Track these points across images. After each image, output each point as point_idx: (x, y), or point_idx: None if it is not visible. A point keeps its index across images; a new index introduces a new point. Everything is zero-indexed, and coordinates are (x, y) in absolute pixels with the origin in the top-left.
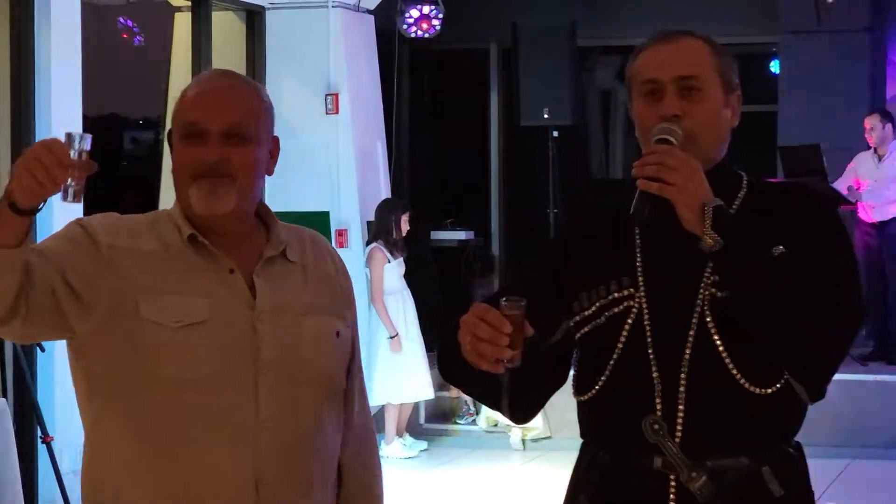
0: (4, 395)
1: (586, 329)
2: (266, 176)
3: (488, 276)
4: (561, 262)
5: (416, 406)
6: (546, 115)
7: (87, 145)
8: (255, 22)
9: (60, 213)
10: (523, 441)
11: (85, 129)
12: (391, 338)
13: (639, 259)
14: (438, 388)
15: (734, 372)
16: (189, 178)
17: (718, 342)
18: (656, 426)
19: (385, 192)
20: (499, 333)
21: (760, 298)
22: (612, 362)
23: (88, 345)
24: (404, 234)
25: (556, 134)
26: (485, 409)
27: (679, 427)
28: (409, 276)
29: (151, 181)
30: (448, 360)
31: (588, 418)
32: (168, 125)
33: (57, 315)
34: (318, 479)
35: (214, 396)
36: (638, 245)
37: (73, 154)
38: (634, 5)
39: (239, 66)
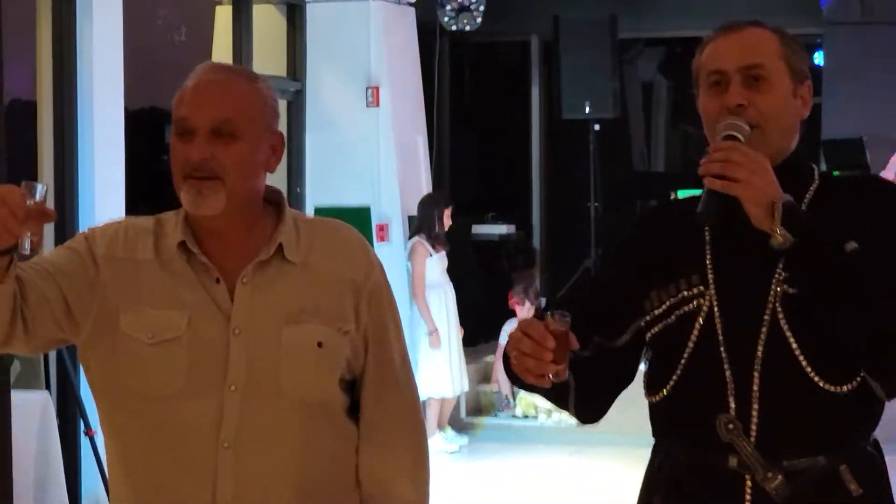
0: (48, 389)
1: (657, 329)
2: (268, 172)
3: (529, 269)
4: (630, 263)
5: (457, 400)
6: (587, 109)
7: (44, 194)
8: (295, 15)
9: (102, 206)
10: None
11: (126, 123)
12: (430, 333)
13: (709, 257)
14: (479, 381)
15: (808, 369)
16: (180, 177)
17: (791, 339)
18: (730, 425)
19: (426, 186)
20: (542, 348)
21: (833, 295)
22: (683, 361)
23: (83, 356)
24: (446, 229)
25: (597, 127)
26: (522, 396)
27: (753, 426)
28: (449, 271)
29: None
30: (511, 368)
31: (660, 418)
32: None
33: (57, 327)
34: (304, 498)
35: (179, 414)
36: (708, 242)
37: (30, 203)
38: None
39: (279, 59)
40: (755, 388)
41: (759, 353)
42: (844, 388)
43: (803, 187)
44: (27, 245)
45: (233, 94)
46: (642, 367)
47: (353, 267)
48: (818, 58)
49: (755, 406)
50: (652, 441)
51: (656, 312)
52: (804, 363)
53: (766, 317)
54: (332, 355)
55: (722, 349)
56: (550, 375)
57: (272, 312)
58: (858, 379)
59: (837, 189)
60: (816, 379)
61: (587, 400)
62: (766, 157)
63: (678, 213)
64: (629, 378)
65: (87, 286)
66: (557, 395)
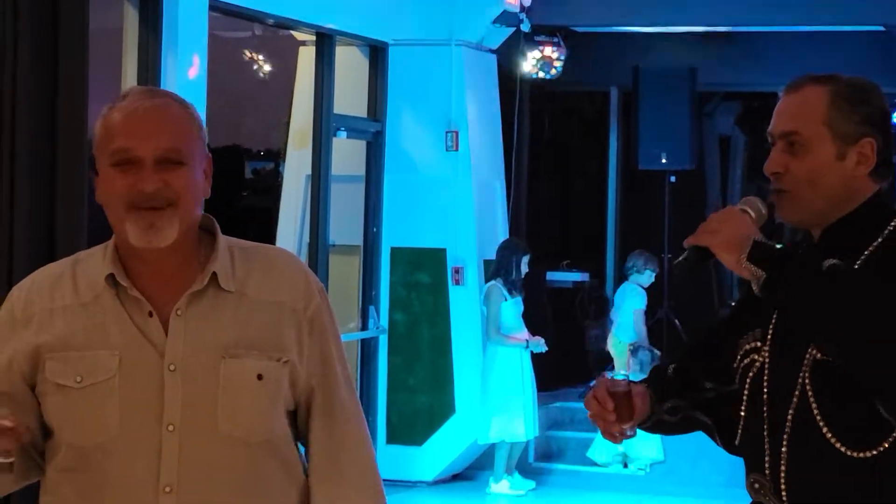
0: None
1: (736, 377)
2: (204, 197)
3: (601, 318)
4: (736, 313)
5: (525, 445)
6: (664, 160)
7: (21, 417)
8: (378, 57)
9: None
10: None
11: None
12: (528, 341)
13: (775, 314)
14: (548, 427)
15: (829, 436)
16: (124, 208)
17: (814, 406)
18: (756, 485)
19: (503, 231)
20: (605, 410)
21: (815, 313)
22: (742, 413)
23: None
24: (523, 276)
25: (673, 178)
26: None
27: (783, 488)
28: (523, 317)
29: (270, 211)
30: None
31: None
32: (287, 157)
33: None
34: None
35: (114, 462)
36: None
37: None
38: (755, 52)
39: (361, 100)
40: (783, 450)
41: (789, 418)
42: (871, 453)
43: (870, 238)
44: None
45: (173, 120)
46: None
47: (293, 295)
48: None
49: (783, 468)
50: (718, 491)
51: (734, 363)
52: (825, 430)
53: (799, 380)
54: (273, 387)
55: (764, 408)
56: (616, 433)
57: (208, 346)
58: (887, 443)
59: None
60: (839, 445)
61: (729, 436)
62: (741, 212)
63: None
64: None
65: (23, 353)
66: (705, 432)
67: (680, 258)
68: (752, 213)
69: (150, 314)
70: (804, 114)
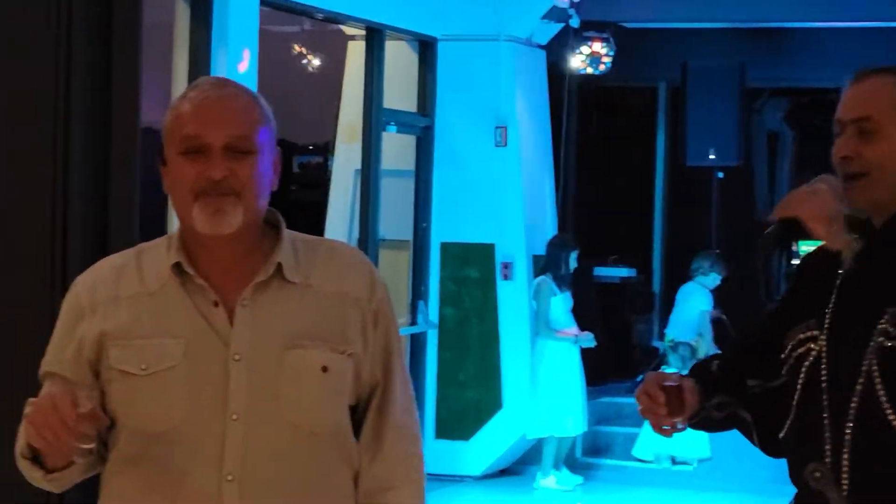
0: None
1: (784, 369)
2: (271, 190)
3: (647, 313)
4: (783, 307)
5: (574, 440)
6: (712, 156)
7: (94, 400)
8: (427, 52)
9: None
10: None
11: None
12: (578, 335)
13: (832, 303)
14: (595, 422)
15: (895, 422)
16: (191, 196)
17: (882, 393)
18: (817, 474)
19: (551, 226)
20: (656, 404)
21: None
22: (794, 403)
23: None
24: (571, 272)
25: (721, 175)
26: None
27: (845, 477)
28: (572, 312)
29: (319, 205)
30: None
31: (787, 461)
32: (336, 151)
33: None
34: None
35: (177, 450)
36: (836, 289)
37: (80, 410)
38: (805, 48)
39: (410, 95)
40: (847, 438)
41: (853, 405)
42: None
43: None
44: (82, 452)
45: (242, 109)
46: None
47: (357, 286)
48: None
49: (845, 456)
50: (764, 487)
51: (782, 355)
52: (892, 416)
53: (863, 368)
54: (338, 380)
55: (824, 396)
56: (667, 427)
57: (273, 336)
58: None
59: None
60: None
61: (768, 433)
62: (820, 186)
63: (822, 259)
64: None
65: (90, 343)
66: (742, 430)
67: (767, 231)
68: (830, 188)
69: (216, 304)
70: (876, 100)
